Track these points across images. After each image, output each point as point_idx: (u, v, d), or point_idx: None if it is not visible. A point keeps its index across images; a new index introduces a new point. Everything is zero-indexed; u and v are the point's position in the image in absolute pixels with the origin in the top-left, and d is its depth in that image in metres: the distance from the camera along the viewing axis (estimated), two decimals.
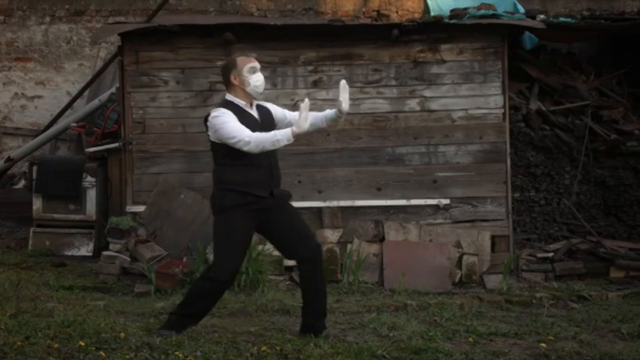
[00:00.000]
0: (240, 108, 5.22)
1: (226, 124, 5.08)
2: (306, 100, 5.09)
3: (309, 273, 5.29)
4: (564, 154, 8.67)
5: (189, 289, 5.59)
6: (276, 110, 5.45)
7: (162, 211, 7.98)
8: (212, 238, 5.38)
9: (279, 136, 5.02)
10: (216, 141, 5.20)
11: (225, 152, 5.17)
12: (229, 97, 5.28)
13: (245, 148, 5.03)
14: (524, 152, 8.54)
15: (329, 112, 5.37)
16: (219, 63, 8.04)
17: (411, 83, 8.15)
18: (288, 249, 5.40)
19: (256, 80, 5.24)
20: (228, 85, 5.30)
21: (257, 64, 5.27)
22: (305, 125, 5.01)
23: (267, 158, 5.21)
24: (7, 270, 7.58)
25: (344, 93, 5.19)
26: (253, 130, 5.08)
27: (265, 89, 8.00)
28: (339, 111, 5.24)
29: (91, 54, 11.01)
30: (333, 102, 8.08)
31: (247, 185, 5.15)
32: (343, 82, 5.24)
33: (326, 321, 5.46)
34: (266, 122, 5.29)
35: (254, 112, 5.28)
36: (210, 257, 7.46)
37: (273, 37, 8.05)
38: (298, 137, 5.09)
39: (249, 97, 5.28)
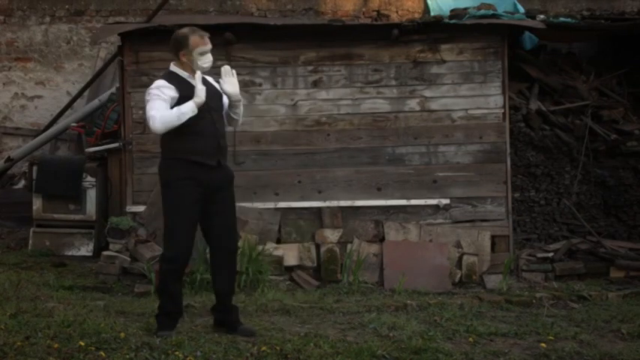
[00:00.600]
0: (183, 79, 5.27)
1: (151, 101, 5.18)
2: (226, 66, 5.30)
3: (221, 268, 5.40)
4: (564, 154, 8.67)
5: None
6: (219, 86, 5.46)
7: (162, 211, 7.96)
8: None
9: (184, 109, 5.11)
10: None
11: None
12: (173, 68, 5.33)
13: (152, 126, 5.14)
14: (524, 152, 8.54)
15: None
16: (219, 63, 8.10)
17: (411, 83, 8.15)
18: (209, 235, 5.43)
19: (204, 62, 5.27)
20: (176, 58, 5.33)
21: (208, 47, 5.28)
22: (202, 95, 5.09)
23: (213, 126, 5.25)
24: (7, 270, 7.57)
25: (225, 76, 5.30)
26: (189, 97, 5.14)
27: (265, 89, 8.13)
28: (227, 94, 5.34)
29: (91, 54, 11.01)
30: (333, 102, 8.17)
31: (193, 153, 5.20)
32: (226, 67, 5.36)
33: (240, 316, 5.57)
34: (211, 94, 5.28)
35: (198, 83, 5.24)
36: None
37: (273, 37, 8.05)
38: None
39: (194, 72, 5.30)
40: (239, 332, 5.35)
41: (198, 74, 5.19)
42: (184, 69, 5.31)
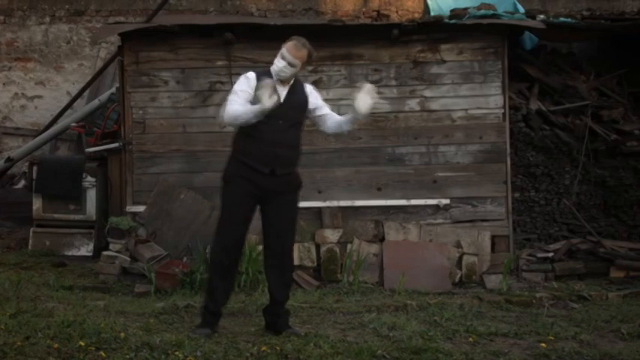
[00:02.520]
0: (271, 78, 5.24)
1: (232, 92, 5.29)
2: (369, 85, 5.28)
3: (274, 275, 5.39)
4: (564, 154, 8.67)
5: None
6: (314, 99, 5.47)
7: (162, 211, 7.98)
8: None
9: (249, 112, 5.13)
10: None
11: None
12: (273, 67, 5.31)
13: (221, 116, 5.26)
14: (524, 152, 8.54)
15: (347, 116, 5.43)
16: (219, 63, 8.13)
17: (411, 83, 8.15)
18: (265, 238, 5.44)
19: (278, 66, 5.26)
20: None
21: (289, 55, 5.23)
22: (267, 104, 5.04)
23: (271, 134, 5.20)
24: (7, 270, 7.58)
25: (364, 94, 5.24)
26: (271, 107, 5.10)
27: None
28: (356, 111, 5.28)
29: (91, 54, 11.01)
30: (333, 102, 8.15)
31: (246, 156, 5.23)
32: (369, 86, 5.30)
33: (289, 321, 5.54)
34: (290, 102, 5.29)
35: (281, 89, 5.25)
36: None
37: (273, 37, 7.99)
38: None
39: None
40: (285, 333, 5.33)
41: (269, 81, 5.11)
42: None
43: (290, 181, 5.42)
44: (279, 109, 5.14)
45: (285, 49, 5.25)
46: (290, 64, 5.24)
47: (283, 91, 5.29)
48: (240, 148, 5.29)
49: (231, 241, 5.29)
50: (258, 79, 5.21)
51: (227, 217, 5.27)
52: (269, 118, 5.13)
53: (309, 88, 5.50)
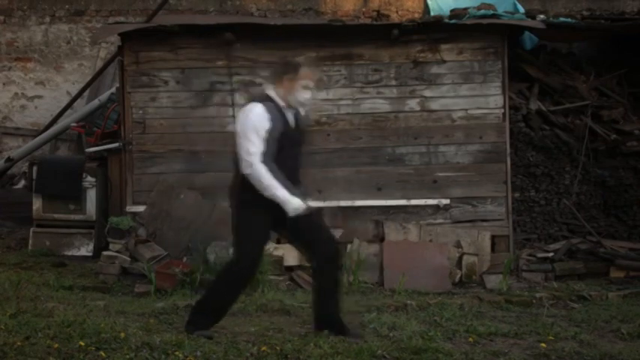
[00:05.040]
0: (279, 107, 5.15)
1: (252, 132, 5.01)
2: None
3: (321, 275, 5.31)
4: (564, 154, 8.66)
5: (211, 286, 5.56)
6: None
7: (162, 211, 7.98)
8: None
9: (280, 196, 5.02)
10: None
11: None
12: (271, 92, 5.19)
13: (245, 164, 5.02)
14: (524, 152, 8.54)
15: None
16: (219, 63, 8.13)
17: (411, 83, 8.15)
18: (306, 248, 5.45)
19: (304, 97, 5.16)
20: (277, 82, 5.20)
21: (310, 82, 5.18)
22: (297, 207, 5.06)
23: (291, 161, 5.18)
24: (7, 270, 7.57)
25: None
26: (284, 133, 5.06)
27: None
28: None
29: (91, 54, 11.02)
30: (333, 102, 8.16)
31: None
32: None
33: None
34: (300, 125, 5.25)
35: (289, 115, 5.18)
36: (211, 257, 7.48)
37: (273, 37, 8.05)
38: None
39: (288, 102, 5.19)
40: (347, 335, 5.29)
41: (283, 195, 5.03)
42: (280, 96, 5.17)
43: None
44: (294, 136, 5.14)
45: (305, 79, 5.13)
46: (310, 89, 5.19)
47: (291, 116, 5.20)
48: None
49: (256, 259, 5.26)
50: (269, 112, 5.06)
51: (250, 237, 5.19)
52: (287, 147, 5.11)
53: (304, 109, 5.36)
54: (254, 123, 5.04)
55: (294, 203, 5.06)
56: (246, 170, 5.04)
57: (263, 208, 5.10)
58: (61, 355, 4.60)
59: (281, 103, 5.16)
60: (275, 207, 5.09)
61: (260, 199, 5.09)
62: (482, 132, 8.12)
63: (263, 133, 5.03)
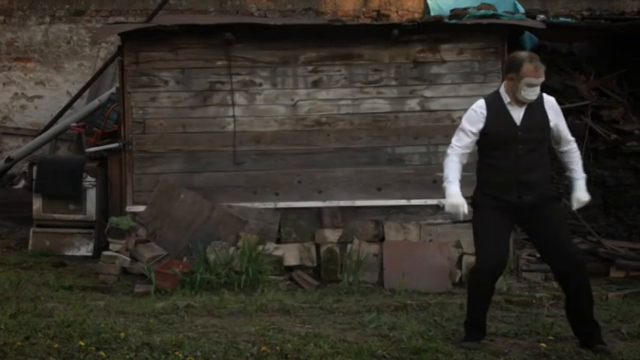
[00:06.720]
0: (502, 104, 5.14)
1: (461, 126, 5.26)
2: (584, 200, 5.52)
3: (567, 285, 5.39)
4: None
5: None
6: (553, 116, 5.28)
7: (162, 211, 7.98)
8: None
9: (446, 180, 5.33)
10: None
11: (479, 149, 5.30)
12: (502, 88, 5.20)
13: (447, 152, 5.32)
14: None
15: (572, 183, 5.57)
16: (219, 63, 8.13)
17: (411, 83, 8.15)
18: (543, 256, 5.50)
19: (528, 94, 5.07)
20: (505, 78, 5.23)
21: (539, 80, 5.07)
22: (454, 202, 5.30)
23: (515, 161, 5.11)
24: (7, 270, 7.58)
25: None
26: (507, 132, 5.06)
27: (265, 89, 8.14)
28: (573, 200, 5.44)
29: (91, 54, 11.02)
30: (333, 102, 8.16)
31: (489, 187, 5.25)
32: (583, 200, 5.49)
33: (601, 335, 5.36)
34: (528, 125, 5.13)
35: (516, 112, 5.13)
36: (210, 257, 7.49)
37: (273, 37, 8.05)
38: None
39: (515, 98, 5.14)
40: (593, 349, 5.23)
41: (456, 209, 5.27)
42: (507, 92, 5.14)
43: (542, 194, 5.27)
44: (515, 135, 5.08)
45: (527, 77, 5.02)
46: (536, 86, 5.08)
47: (520, 113, 5.14)
48: (483, 179, 5.29)
49: (495, 259, 5.20)
50: (489, 107, 5.13)
51: (486, 238, 5.21)
52: (506, 145, 5.09)
53: (548, 103, 5.26)
54: (464, 119, 5.24)
55: (450, 201, 5.23)
56: (446, 156, 5.32)
57: (487, 207, 5.21)
58: (61, 355, 4.60)
59: (507, 98, 5.15)
60: (499, 204, 5.14)
61: (481, 199, 5.27)
62: None
63: (468, 127, 5.18)
